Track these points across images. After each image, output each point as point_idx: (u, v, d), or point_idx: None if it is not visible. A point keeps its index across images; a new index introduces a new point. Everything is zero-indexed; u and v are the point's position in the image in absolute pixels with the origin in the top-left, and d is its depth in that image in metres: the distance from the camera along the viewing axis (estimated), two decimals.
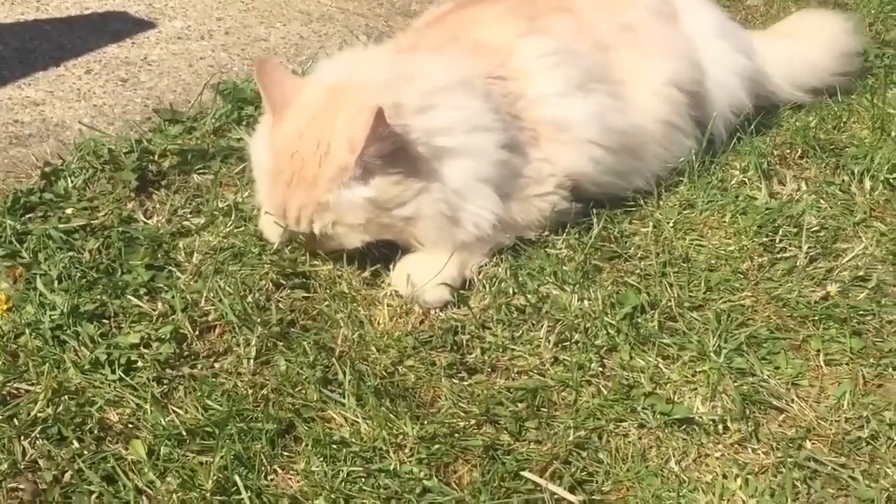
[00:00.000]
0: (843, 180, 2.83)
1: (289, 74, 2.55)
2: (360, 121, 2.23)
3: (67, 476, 1.83)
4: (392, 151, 2.28)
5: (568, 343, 2.21)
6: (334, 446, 1.92)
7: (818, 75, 3.24)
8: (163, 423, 1.94)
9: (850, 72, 3.32)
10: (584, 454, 1.95)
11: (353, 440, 1.94)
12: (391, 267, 2.38)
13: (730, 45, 2.99)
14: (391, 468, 1.88)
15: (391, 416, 1.98)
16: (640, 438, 1.99)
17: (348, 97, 2.35)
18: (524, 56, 2.60)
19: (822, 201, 2.73)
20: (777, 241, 2.56)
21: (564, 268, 2.41)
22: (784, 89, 3.19)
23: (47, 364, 2.05)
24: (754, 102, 3.02)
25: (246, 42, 3.66)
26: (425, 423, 1.98)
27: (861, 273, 2.45)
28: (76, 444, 1.89)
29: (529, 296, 2.32)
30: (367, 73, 2.42)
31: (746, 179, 2.81)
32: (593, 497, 1.86)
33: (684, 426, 2.01)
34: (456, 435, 1.97)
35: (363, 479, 1.86)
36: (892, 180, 2.82)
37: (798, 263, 2.48)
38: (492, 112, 2.45)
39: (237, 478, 1.82)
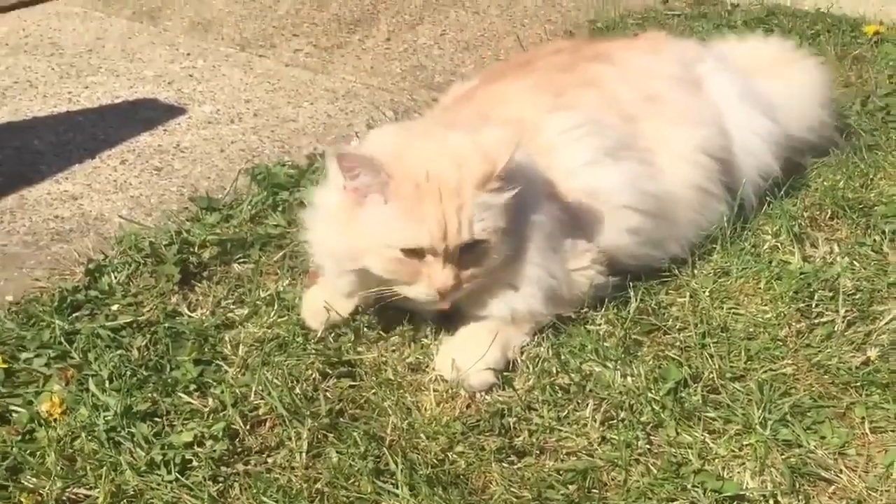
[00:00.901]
0: (875, 240, 2.85)
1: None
2: (494, 137, 2.37)
3: None
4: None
5: (614, 421, 2.24)
6: None
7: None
8: None
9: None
10: None
11: None
12: (434, 352, 2.41)
13: (754, 109, 3.01)
14: None
15: None
16: None
17: (457, 141, 2.43)
18: (551, 131, 2.64)
19: (855, 263, 2.75)
20: (813, 305, 2.58)
21: (605, 344, 2.44)
22: (803, 138, 3.21)
23: (104, 467, 2.09)
24: (782, 165, 3.04)
25: (275, 123, 3.72)
26: None
27: None
28: None
29: (573, 374, 2.35)
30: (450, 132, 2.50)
31: (779, 244, 2.84)
32: None
33: (735, 503, 2.03)
34: None
35: None
36: None
37: (836, 328, 2.50)
38: (541, 194, 2.51)
39: None
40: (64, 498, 2.03)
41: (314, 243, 2.55)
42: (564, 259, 2.51)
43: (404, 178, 2.34)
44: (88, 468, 2.09)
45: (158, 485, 2.06)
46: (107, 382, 2.32)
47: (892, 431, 2.20)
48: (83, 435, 2.17)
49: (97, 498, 2.01)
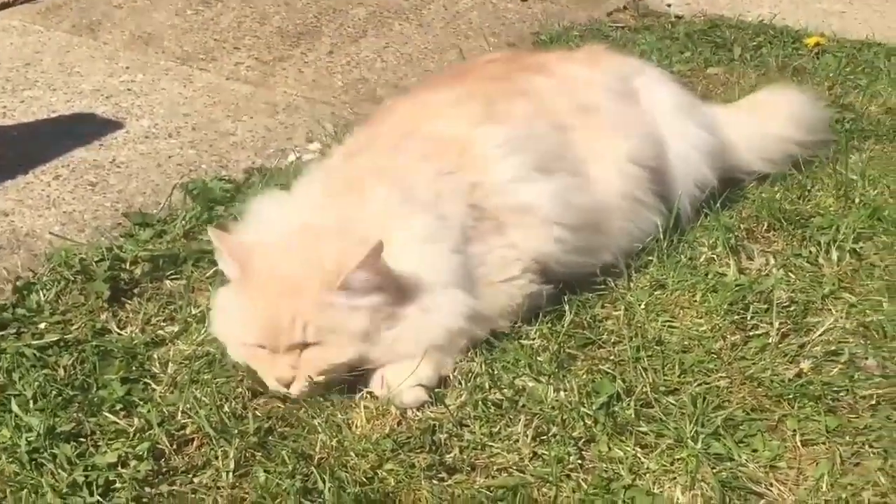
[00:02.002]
0: (811, 252, 2.86)
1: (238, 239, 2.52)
2: (349, 251, 2.30)
3: None
4: (380, 285, 2.33)
5: (546, 437, 2.22)
6: None
7: (783, 147, 3.27)
8: None
9: (816, 141, 3.35)
10: None
11: None
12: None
13: (690, 120, 3.03)
14: None
15: None
16: None
17: (324, 234, 2.40)
18: (481, 147, 2.63)
19: (790, 275, 2.76)
20: (748, 318, 2.58)
21: (539, 358, 2.42)
22: (750, 162, 3.21)
23: (25, 490, 2.04)
24: (720, 176, 3.04)
25: (214, 137, 3.68)
26: None
27: (833, 348, 2.47)
28: None
29: (505, 390, 2.33)
30: (321, 216, 2.47)
31: (715, 256, 2.84)
32: None
33: None
34: None
35: None
36: (858, 249, 2.85)
37: (770, 340, 2.49)
38: (438, 219, 2.48)
39: None
40: None
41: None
42: (487, 274, 2.50)
43: (254, 272, 2.36)
44: (8, 491, 2.05)
45: None
46: (30, 402, 2.28)
47: (823, 444, 2.20)
48: (3, 457, 2.13)
49: None
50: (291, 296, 2.31)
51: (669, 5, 5.08)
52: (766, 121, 3.28)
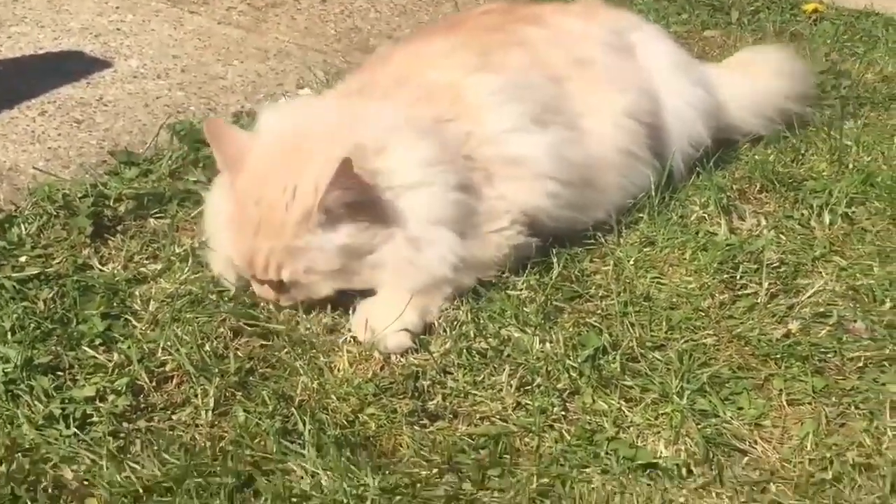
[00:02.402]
0: (803, 214, 2.83)
1: (239, 130, 2.56)
2: (326, 167, 2.24)
3: None
4: (359, 200, 2.28)
5: (530, 387, 2.19)
6: (294, 500, 1.89)
7: (774, 101, 3.24)
8: (119, 479, 1.90)
9: (807, 104, 3.32)
10: (548, 502, 1.93)
11: (314, 493, 1.90)
12: (350, 312, 2.35)
13: (687, 78, 3.00)
14: None
15: (352, 467, 1.95)
16: (603, 485, 1.97)
17: (310, 143, 2.36)
18: (474, 94, 2.59)
19: (781, 236, 2.73)
20: (738, 277, 2.55)
21: (525, 309, 2.39)
22: (743, 120, 3.18)
23: (0, 420, 2.01)
24: (714, 136, 3.01)
25: (203, 80, 3.62)
26: (387, 473, 1.96)
27: (821, 309, 2.45)
28: None
29: (491, 339, 2.30)
30: (321, 120, 2.42)
31: (706, 215, 2.81)
32: None
33: (648, 471, 1.99)
34: (418, 485, 1.94)
35: None
36: (850, 214, 2.82)
37: (759, 300, 2.47)
38: (443, 153, 2.44)
39: None
40: None
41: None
42: (478, 223, 2.46)
43: (241, 190, 2.35)
44: None
45: (56, 439, 1.99)
46: (8, 334, 2.24)
47: (809, 404, 2.18)
48: None
49: None
50: (268, 232, 2.29)
51: None
52: (754, 77, 3.25)
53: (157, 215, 2.75)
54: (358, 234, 2.31)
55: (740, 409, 2.17)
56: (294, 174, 2.31)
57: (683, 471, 2.00)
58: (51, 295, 2.38)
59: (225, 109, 3.43)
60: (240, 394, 2.14)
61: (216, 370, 2.17)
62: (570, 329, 2.36)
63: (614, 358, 2.26)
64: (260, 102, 3.45)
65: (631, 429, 2.10)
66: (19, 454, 1.94)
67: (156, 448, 1.99)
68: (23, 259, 2.51)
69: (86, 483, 1.91)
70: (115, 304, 2.38)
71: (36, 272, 2.46)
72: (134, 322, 2.34)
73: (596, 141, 2.70)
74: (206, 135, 2.48)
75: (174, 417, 2.10)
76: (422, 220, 2.35)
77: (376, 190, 2.33)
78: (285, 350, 2.27)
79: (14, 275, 2.43)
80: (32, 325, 2.27)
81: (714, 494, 1.95)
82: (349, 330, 2.33)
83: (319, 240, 2.29)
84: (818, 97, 3.47)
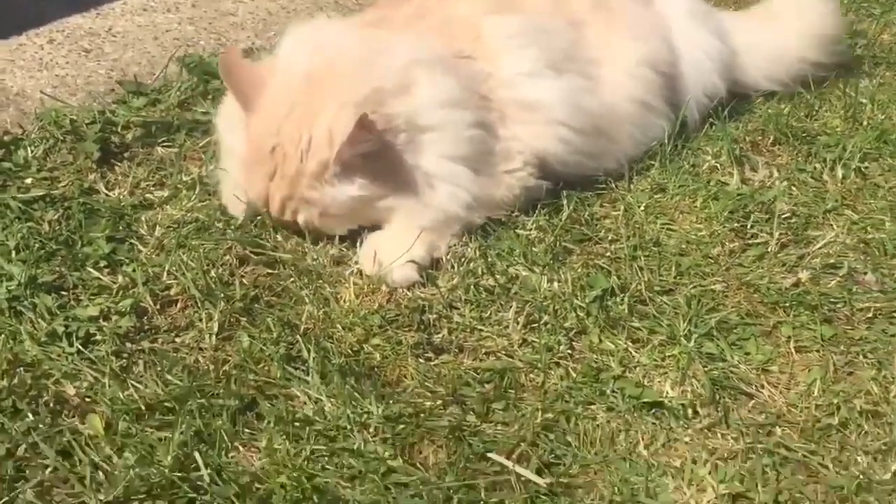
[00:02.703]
0: (815, 168, 2.81)
1: (252, 64, 2.49)
2: (342, 118, 2.23)
3: (21, 450, 1.77)
4: (375, 150, 2.27)
5: (536, 325, 2.18)
6: (297, 424, 1.87)
7: (794, 60, 3.19)
8: (121, 397, 1.89)
9: (829, 57, 3.28)
10: (552, 437, 1.92)
11: (317, 418, 1.89)
12: (358, 244, 2.33)
13: (704, 28, 2.97)
14: (355, 447, 1.84)
15: (356, 394, 1.94)
16: (608, 422, 1.96)
17: (327, 86, 2.32)
18: (494, 35, 2.57)
19: (793, 188, 2.71)
20: (748, 227, 2.53)
21: (534, 249, 2.38)
22: (759, 74, 3.15)
23: (2, 335, 2.00)
24: (728, 88, 2.99)
25: (213, 16, 3.59)
26: (391, 402, 1.94)
27: (832, 261, 2.43)
28: (31, 418, 1.83)
29: (498, 276, 2.28)
30: (340, 56, 2.37)
31: (718, 165, 2.78)
32: (561, 480, 1.82)
33: (654, 410, 1.98)
34: (422, 415, 1.93)
35: (326, 458, 1.82)
36: (863, 169, 2.80)
37: (769, 250, 2.45)
38: (462, 90, 2.41)
39: (197, 454, 1.77)
40: None
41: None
42: (492, 163, 2.44)
43: (255, 132, 2.32)
44: None
45: (58, 356, 1.97)
46: (13, 253, 2.22)
47: (817, 352, 2.17)
48: None
49: None
50: (283, 180, 2.28)
51: None
52: (780, 35, 3.19)
53: (165, 144, 2.72)
54: (373, 182, 2.29)
55: (747, 354, 2.15)
56: (309, 121, 2.28)
57: (689, 411, 1.98)
58: (56, 216, 2.36)
59: (234, 45, 3.39)
60: (244, 320, 2.12)
61: (221, 296, 2.15)
62: (579, 270, 2.34)
63: (622, 300, 2.24)
64: (271, 40, 3.41)
65: (637, 369, 2.09)
66: (21, 369, 1.93)
67: (159, 369, 1.98)
68: (28, 181, 2.49)
69: (88, 400, 1.90)
70: (120, 228, 2.36)
71: (41, 194, 2.44)
72: (139, 246, 2.31)
73: (611, 90, 2.67)
74: (220, 68, 2.43)
75: (178, 340, 2.08)
76: (438, 157, 2.34)
77: (393, 134, 2.31)
78: (291, 279, 2.26)
79: (19, 195, 2.41)
80: (37, 245, 2.25)
81: (719, 435, 1.94)
82: (356, 262, 2.31)
83: (335, 191, 2.28)
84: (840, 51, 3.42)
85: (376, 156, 2.28)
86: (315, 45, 2.46)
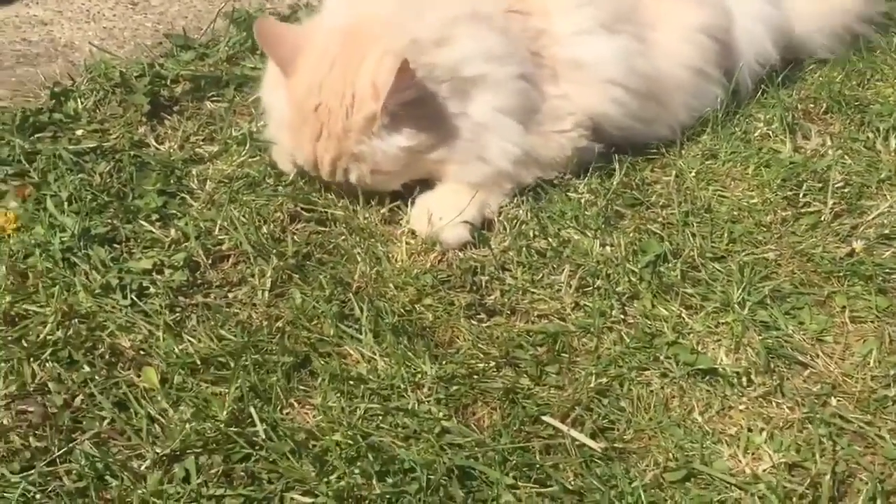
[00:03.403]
0: (868, 137, 2.77)
1: (290, 27, 2.43)
2: (383, 67, 2.21)
3: (78, 400, 1.78)
4: (418, 97, 2.24)
5: (589, 289, 2.16)
6: (351, 382, 1.87)
7: (844, 18, 3.16)
8: (176, 350, 1.89)
9: (879, 19, 3.24)
10: (606, 402, 1.91)
11: (371, 377, 1.89)
12: (409, 204, 2.32)
13: None
14: (409, 407, 1.84)
15: (409, 354, 1.93)
16: (662, 388, 1.94)
17: (365, 39, 2.29)
18: None
19: (846, 157, 2.67)
20: (801, 195, 2.50)
21: (586, 213, 2.36)
22: (811, 37, 3.11)
23: (57, 286, 2.00)
24: (781, 54, 2.95)
25: None
26: (444, 363, 1.94)
27: (887, 231, 2.40)
28: (87, 369, 1.84)
29: (551, 239, 2.27)
30: (379, 10, 2.34)
31: (770, 132, 2.75)
32: (615, 445, 1.82)
33: (708, 377, 1.97)
34: (475, 376, 1.92)
35: (380, 417, 1.82)
36: None
37: (822, 219, 2.43)
38: (508, 44, 2.39)
39: (252, 409, 1.78)
40: (12, 313, 1.93)
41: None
42: (540, 121, 2.42)
43: (297, 94, 2.28)
44: (40, 285, 2.00)
45: (113, 308, 1.98)
46: (65, 204, 2.22)
47: (872, 322, 2.14)
48: (37, 252, 2.08)
49: (48, 315, 1.92)
50: (330, 139, 2.26)
51: None
52: None
53: (214, 98, 2.72)
54: (421, 132, 2.27)
55: (801, 323, 2.13)
56: (351, 75, 2.25)
57: (744, 379, 1.97)
58: (107, 169, 2.36)
59: (281, 1, 3.39)
60: (296, 277, 2.12)
61: (273, 252, 2.15)
62: (631, 235, 2.32)
63: (675, 265, 2.23)
64: None
65: (691, 335, 2.07)
66: (76, 320, 1.93)
67: (212, 324, 1.97)
68: (79, 132, 2.49)
69: (142, 352, 1.90)
70: (171, 181, 2.36)
71: (92, 146, 2.44)
72: (190, 200, 2.31)
73: (666, 55, 2.63)
74: (257, 35, 2.36)
75: (230, 295, 2.08)
76: (484, 107, 2.32)
77: (435, 83, 2.28)
78: (343, 237, 2.25)
79: (70, 147, 2.41)
80: (89, 197, 2.25)
81: (774, 404, 1.93)
82: (407, 222, 2.30)
83: (384, 143, 2.26)
84: (886, 23, 3.38)
85: (421, 104, 2.26)
86: (354, 1, 2.43)
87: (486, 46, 2.35)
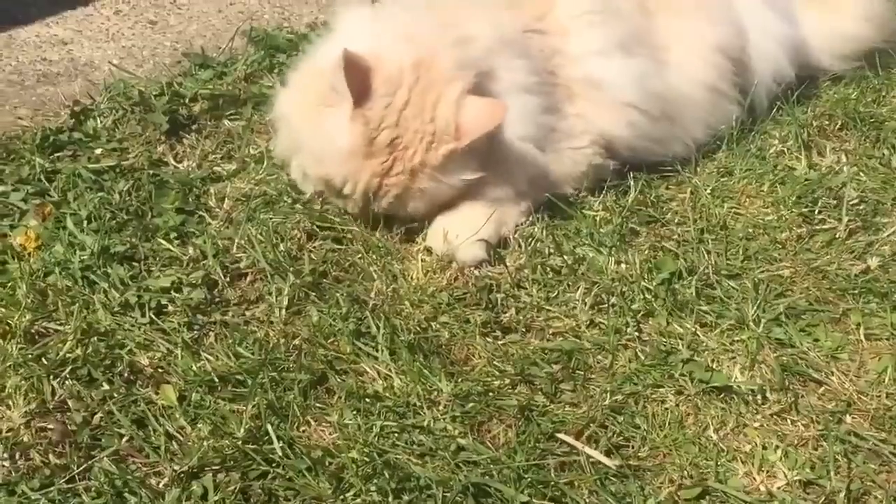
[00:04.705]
0: (884, 154, 2.78)
1: (363, 58, 2.28)
2: (469, 107, 2.25)
3: (97, 418, 1.79)
4: None
5: (604, 306, 2.18)
6: (367, 400, 1.89)
7: (853, 44, 3.17)
8: (194, 368, 1.91)
9: (889, 39, 3.25)
10: (621, 419, 1.92)
11: (387, 395, 1.91)
12: (426, 223, 2.34)
13: (774, 13, 2.94)
14: (425, 424, 1.85)
15: (425, 371, 1.95)
16: (677, 405, 1.96)
17: (437, 76, 2.28)
18: (566, 11, 2.55)
19: (861, 174, 2.69)
20: (816, 212, 2.51)
21: (601, 230, 2.37)
22: (822, 58, 3.12)
23: (77, 304, 2.01)
24: (796, 72, 2.96)
25: None
26: (459, 380, 1.95)
27: None
28: (106, 387, 1.85)
29: (566, 256, 2.28)
30: (431, 41, 2.34)
31: (786, 149, 2.76)
32: (630, 462, 1.83)
33: (723, 395, 1.98)
34: (490, 394, 1.94)
35: (396, 434, 1.83)
36: None
37: (837, 236, 2.44)
38: (532, 71, 2.41)
39: (269, 427, 1.79)
40: (32, 331, 1.95)
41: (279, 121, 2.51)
42: (557, 139, 2.45)
43: (371, 120, 2.25)
44: (60, 304, 2.01)
45: (131, 326, 1.99)
46: (85, 222, 2.24)
47: (888, 339, 2.15)
48: (57, 271, 2.09)
49: (67, 333, 1.94)
50: (403, 174, 2.26)
51: None
52: (835, 18, 3.16)
53: (232, 117, 2.73)
54: (479, 166, 2.30)
55: (816, 340, 2.14)
56: (429, 112, 2.25)
57: (759, 397, 1.98)
58: (126, 187, 2.37)
59: (298, 20, 3.41)
60: (313, 294, 2.13)
61: (290, 270, 2.16)
62: (646, 252, 2.33)
63: (690, 283, 2.24)
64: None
65: (706, 353, 2.08)
66: (95, 338, 1.95)
67: (230, 341, 1.99)
68: (98, 151, 2.51)
69: (161, 370, 1.92)
70: (189, 200, 2.37)
71: (112, 164, 2.46)
72: (208, 219, 2.33)
73: (682, 75, 2.65)
74: (344, 65, 2.21)
75: (248, 313, 2.09)
76: (512, 137, 2.34)
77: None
78: (359, 255, 2.26)
79: (90, 165, 2.43)
80: (108, 216, 2.27)
81: (789, 422, 1.93)
82: (423, 240, 2.32)
83: (453, 178, 2.28)
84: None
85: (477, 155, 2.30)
86: (400, 33, 2.38)
87: (517, 78, 2.38)
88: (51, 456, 1.72)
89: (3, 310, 1.99)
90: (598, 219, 2.42)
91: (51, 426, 1.77)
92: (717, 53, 2.70)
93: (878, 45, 3.20)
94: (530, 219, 2.39)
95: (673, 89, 2.63)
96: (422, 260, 2.26)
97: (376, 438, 1.81)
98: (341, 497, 1.69)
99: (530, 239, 2.34)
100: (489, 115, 2.23)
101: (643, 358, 2.05)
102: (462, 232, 2.26)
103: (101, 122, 2.62)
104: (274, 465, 1.74)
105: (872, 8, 3.19)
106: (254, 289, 2.16)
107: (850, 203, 2.53)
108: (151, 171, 2.44)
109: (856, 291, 2.27)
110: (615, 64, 2.53)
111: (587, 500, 1.75)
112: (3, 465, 1.70)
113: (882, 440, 1.90)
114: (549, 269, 2.26)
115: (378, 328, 2.03)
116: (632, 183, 2.52)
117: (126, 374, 1.89)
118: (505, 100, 2.31)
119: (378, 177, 2.26)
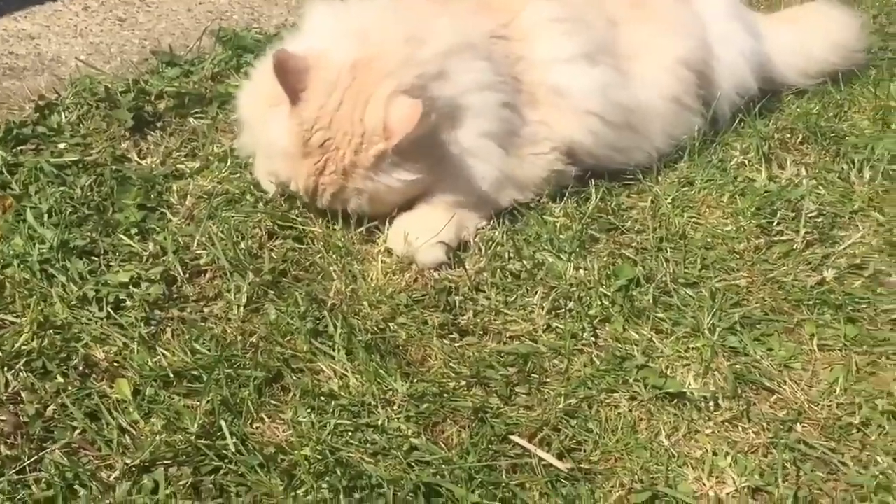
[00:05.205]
0: (843, 168, 2.81)
1: (300, 57, 2.32)
2: (395, 108, 2.25)
3: (50, 410, 1.80)
4: (424, 135, 2.28)
5: (561, 311, 2.19)
6: (322, 398, 1.89)
7: (818, 65, 3.21)
8: (149, 363, 1.91)
9: (852, 63, 3.29)
10: (574, 423, 1.93)
11: (342, 393, 1.91)
12: (387, 223, 2.35)
13: (740, 26, 2.97)
14: (379, 423, 1.86)
15: (381, 371, 1.96)
16: (630, 410, 1.97)
17: (373, 77, 2.29)
18: (532, 18, 2.57)
19: (820, 188, 2.71)
20: (775, 223, 2.53)
21: (561, 236, 2.39)
22: (788, 74, 3.16)
23: (34, 297, 2.01)
24: (760, 86, 2.99)
25: None
26: (415, 381, 1.96)
27: (857, 261, 2.43)
28: (60, 379, 1.86)
29: (525, 261, 2.29)
30: (382, 44, 2.35)
31: (746, 161, 2.79)
32: (581, 466, 1.84)
33: (676, 401, 1.99)
34: (445, 395, 1.94)
35: (350, 433, 1.84)
36: (891, 171, 2.79)
37: (795, 247, 2.46)
38: (495, 72, 2.43)
39: (223, 423, 1.79)
40: None
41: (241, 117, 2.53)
42: (519, 144, 2.46)
43: (305, 121, 2.28)
44: (17, 296, 2.02)
45: (88, 320, 1.99)
46: (45, 216, 2.25)
47: (840, 351, 2.17)
48: (15, 263, 2.09)
49: (23, 325, 1.94)
50: (336, 173, 2.28)
51: None
52: (805, 39, 3.21)
53: (198, 115, 2.74)
54: (420, 163, 2.31)
55: (770, 350, 2.16)
56: (360, 113, 2.26)
57: (711, 404, 1.99)
58: (88, 182, 2.38)
59: (268, 21, 3.42)
60: (272, 293, 2.14)
61: (250, 268, 2.17)
62: (605, 259, 2.35)
63: (647, 290, 2.25)
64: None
65: (660, 359, 2.10)
66: (51, 331, 1.95)
67: (187, 337, 1.99)
68: (62, 146, 2.51)
69: (116, 364, 1.92)
70: (151, 196, 2.38)
71: (74, 159, 2.46)
72: (170, 215, 2.33)
73: (645, 86, 2.67)
74: (275, 66, 2.26)
75: (206, 310, 2.10)
76: (473, 134, 2.36)
77: (437, 113, 2.32)
78: (319, 255, 2.27)
79: (53, 160, 2.43)
80: (69, 210, 2.27)
81: (741, 429, 1.95)
82: (384, 241, 2.33)
83: (389, 178, 2.29)
84: (865, 58, 3.42)
85: (424, 138, 2.29)
86: (353, 31, 2.40)
87: (478, 78, 2.39)
88: (2, 447, 1.72)
89: None
90: (558, 225, 2.44)
91: (3, 417, 1.76)
92: (681, 66, 2.73)
93: (840, 67, 3.24)
94: (491, 223, 2.41)
95: (636, 100, 2.65)
96: (382, 261, 2.27)
97: (329, 436, 1.81)
98: (292, 494, 1.70)
99: (490, 243, 2.35)
100: (409, 117, 2.22)
101: (598, 363, 2.07)
102: (422, 234, 2.27)
103: (65, 116, 2.62)
104: (226, 460, 1.75)
105: (843, 35, 3.24)
106: (213, 286, 2.16)
107: (809, 215, 2.55)
108: (114, 167, 2.45)
109: (811, 302, 2.29)
110: (579, 72, 2.55)
111: (538, 503, 1.76)
112: None
113: (831, 449, 1.91)
114: (508, 273, 2.28)
115: (336, 327, 2.04)
116: (593, 190, 2.54)
117: (81, 368, 1.89)
118: (464, 99, 2.33)
119: (314, 176, 2.28)
